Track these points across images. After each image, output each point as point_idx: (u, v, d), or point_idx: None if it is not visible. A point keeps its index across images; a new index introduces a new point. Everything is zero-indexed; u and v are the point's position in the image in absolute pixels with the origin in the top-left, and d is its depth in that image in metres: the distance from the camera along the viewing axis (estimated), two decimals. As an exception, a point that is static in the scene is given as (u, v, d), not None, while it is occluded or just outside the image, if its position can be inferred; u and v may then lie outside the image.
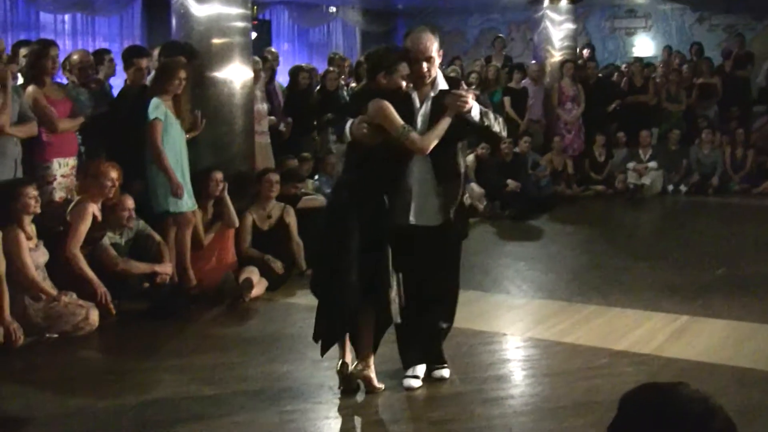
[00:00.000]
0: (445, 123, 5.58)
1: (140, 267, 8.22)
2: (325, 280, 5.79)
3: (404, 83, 5.65)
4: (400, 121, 5.49)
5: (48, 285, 7.42)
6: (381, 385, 5.78)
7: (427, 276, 5.89)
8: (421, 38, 5.67)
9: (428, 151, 5.56)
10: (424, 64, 5.66)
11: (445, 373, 6.03)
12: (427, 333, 6.06)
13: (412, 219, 5.73)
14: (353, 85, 13.13)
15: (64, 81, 9.30)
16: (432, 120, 5.64)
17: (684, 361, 6.42)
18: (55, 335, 7.26)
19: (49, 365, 6.71)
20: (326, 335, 5.80)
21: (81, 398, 5.91)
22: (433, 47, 5.69)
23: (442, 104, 5.67)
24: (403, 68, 5.59)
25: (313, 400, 5.75)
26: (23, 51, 9.00)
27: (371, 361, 5.79)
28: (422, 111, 5.70)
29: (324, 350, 5.83)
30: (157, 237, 8.50)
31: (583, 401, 5.64)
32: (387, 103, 5.53)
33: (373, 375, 5.75)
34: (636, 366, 6.33)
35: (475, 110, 5.65)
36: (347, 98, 13.21)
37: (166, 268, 8.32)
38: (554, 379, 6.11)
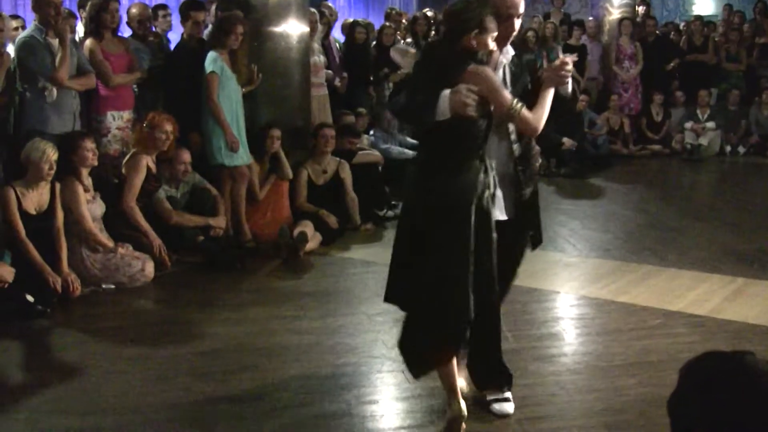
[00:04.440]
0: (550, 96, 4.67)
1: (194, 220, 8.30)
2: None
3: (494, 45, 4.60)
4: (509, 94, 4.52)
5: (105, 237, 7.52)
6: None
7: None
8: None
9: (540, 131, 4.64)
10: (516, 22, 4.76)
11: (508, 407, 4.95)
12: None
13: (499, 214, 4.74)
14: (409, 40, 13.05)
15: (126, 35, 9.35)
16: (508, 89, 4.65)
17: (739, 323, 6.36)
18: (112, 286, 7.36)
19: (107, 315, 6.81)
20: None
21: (138, 347, 6.01)
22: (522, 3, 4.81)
23: (514, 72, 4.80)
24: (494, 27, 4.51)
25: (366, 355, 5.78)
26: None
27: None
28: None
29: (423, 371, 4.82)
30: (213, 190, 8.57)
31: (636, 361, 5.61)
32: (491, 71, 4.56)
33: None
34: (690, 327, 6.28)
35: (570, 83, 4.89)
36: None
37: (220, 222, 8.40)
38: (607, 337, 6.09)
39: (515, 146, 4.87)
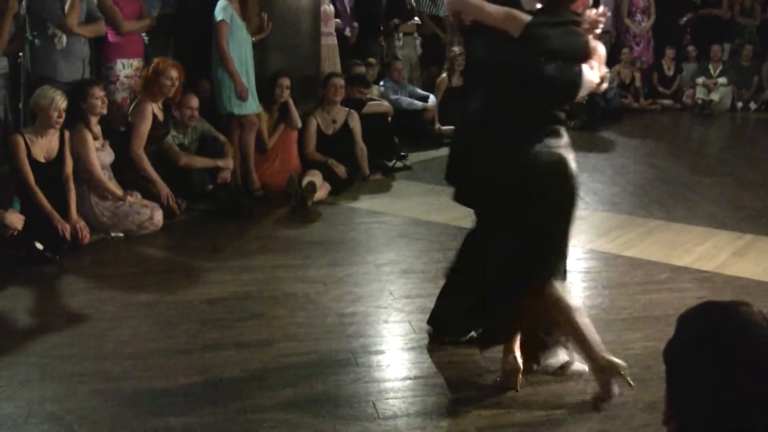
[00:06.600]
0: None
1: (202, 161, 8.34)
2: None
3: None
4: None
5: (114, 185, 7.53)
6: None
7: None
8: None
9: None
10: None
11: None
12: None
13: None
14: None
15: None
16: None
17: (746, 280, 6.36)
18: (120, 234, 7.39)
19: (116, 262, 6.84)
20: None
21: (146, 294, 6.04)
22: None
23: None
24: None
25: (373, 304, 5.80)
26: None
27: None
28: None
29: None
30: (222, 138, 8.57)
31: (642, 315, 5.64)
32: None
33: None
34: (697, 282, 6.29)
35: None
36: (414, 3, 13.07)
37: (228, 163, 8.42)
38: (614, 291, 6.10)
39: None
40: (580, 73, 4.27)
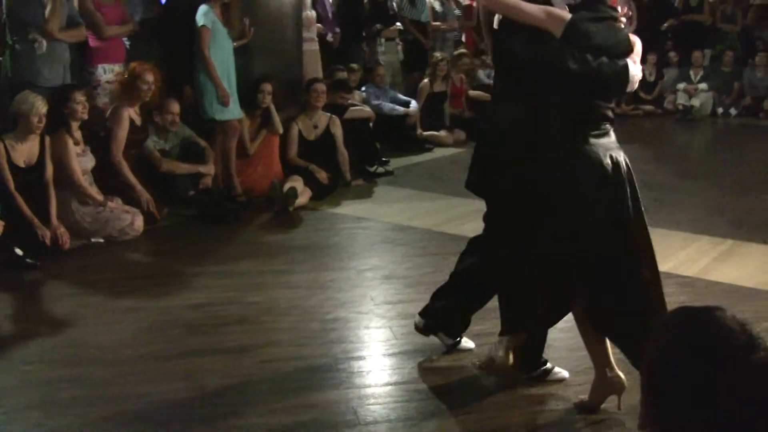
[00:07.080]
0: None
1: (183, 167, 8.31)
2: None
3: None
4: None
5: (95, 190, 7.51)
6: None
7: None
8: None
9: None
10: None
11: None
12: None
13: None
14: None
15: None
16: None
17: (727, 285, 6.37)
18: (101, 240, 7.36)
19: (98, 268, 6.80)
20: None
21: (130, 299, 6.02)
22: None
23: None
24: None
25: (354, 310, 5.80)
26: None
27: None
28: None
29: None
30: (203, 143, 8.55)
31: (624, 320, 5.63)
32: None
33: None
34: (679, 287, 6.28)
35: None
36: (396, 9, 13.11)
37: (209, 169, 8.41)
38: (596, 297, 6.09)
39: None
40: (626, 67, 4.15)
